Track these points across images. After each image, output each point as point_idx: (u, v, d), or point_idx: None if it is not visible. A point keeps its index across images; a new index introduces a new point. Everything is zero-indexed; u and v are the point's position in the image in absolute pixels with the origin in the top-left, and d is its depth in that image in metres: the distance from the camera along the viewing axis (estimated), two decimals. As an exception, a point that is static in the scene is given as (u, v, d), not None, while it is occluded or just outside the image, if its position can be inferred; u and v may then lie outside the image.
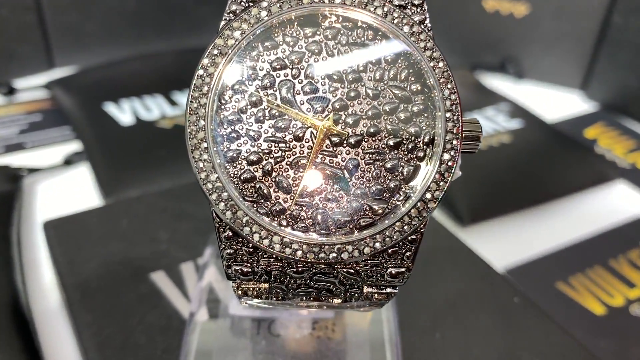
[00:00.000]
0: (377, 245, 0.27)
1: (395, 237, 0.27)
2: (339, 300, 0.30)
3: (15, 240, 0.52)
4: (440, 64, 0.27)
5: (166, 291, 0.44)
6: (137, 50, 0.78)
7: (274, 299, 0.29)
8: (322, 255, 0.27)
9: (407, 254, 0.28)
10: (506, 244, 0.58)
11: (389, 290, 0.30)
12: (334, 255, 0.27)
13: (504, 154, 0.69)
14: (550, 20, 0.81)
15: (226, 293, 0.42)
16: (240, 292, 0.29)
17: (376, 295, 0.30)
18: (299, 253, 0.27)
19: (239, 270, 0.28)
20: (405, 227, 0.27)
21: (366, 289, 0.29)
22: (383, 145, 0.27)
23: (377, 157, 0.27)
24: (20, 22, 0.72)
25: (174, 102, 0.71)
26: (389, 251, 0.28)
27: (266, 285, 0.29)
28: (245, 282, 0.29)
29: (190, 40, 0.80)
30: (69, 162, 0.64)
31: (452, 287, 0.46)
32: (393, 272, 0.28)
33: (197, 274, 0.46)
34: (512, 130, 0.73)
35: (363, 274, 0.28)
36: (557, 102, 0.83)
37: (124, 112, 0.69)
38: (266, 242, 0.27)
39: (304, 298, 0.30)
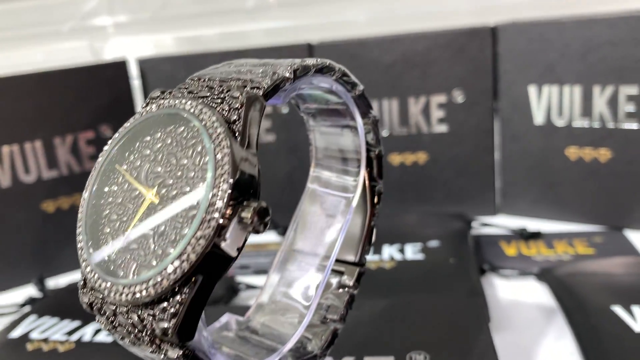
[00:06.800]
0: (147, 291, 0.28)
1: (155, 288, 0.28)
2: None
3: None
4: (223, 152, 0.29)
5: None
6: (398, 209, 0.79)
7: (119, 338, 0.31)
8: (112, 294, 0.29)
9: (172, 310, 0.28)
10: None
11: (174, 353, 0.28)
12: (117, 296, 0.29)
13: None
14: None
15: None
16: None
17: (169, 352, 0.28)
18: (103, 284, 0.30)
19: (82, 301, 0.32)
20: (165, 280, 0.28)
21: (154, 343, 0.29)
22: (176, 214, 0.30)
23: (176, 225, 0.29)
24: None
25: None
26: (161, 306, 0.28)
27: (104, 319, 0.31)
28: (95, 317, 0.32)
29: (448, 207, 0.78)
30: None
31: None
32: (164, 326, 0.28)
33: None
34: None
35: (146, 323, 0.29)
36: None
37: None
38: (87, 270, 0.31)
39: (127, 338, 0.30)
